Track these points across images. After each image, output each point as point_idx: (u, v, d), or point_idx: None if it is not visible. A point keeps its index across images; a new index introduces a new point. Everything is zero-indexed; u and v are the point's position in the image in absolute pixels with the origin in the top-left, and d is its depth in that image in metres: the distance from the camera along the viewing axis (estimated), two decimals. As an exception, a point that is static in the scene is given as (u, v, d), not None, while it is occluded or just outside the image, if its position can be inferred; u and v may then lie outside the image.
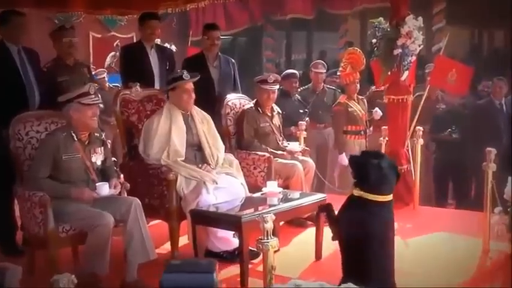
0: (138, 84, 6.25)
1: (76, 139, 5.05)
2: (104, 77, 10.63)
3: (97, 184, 5.07)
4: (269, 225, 3.94)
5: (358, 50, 8.75)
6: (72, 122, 5.05)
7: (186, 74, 5.79)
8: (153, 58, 7.15)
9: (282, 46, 17.19)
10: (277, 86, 7.00)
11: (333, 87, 9.33)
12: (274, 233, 4.09)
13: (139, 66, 6.98)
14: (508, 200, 5.81)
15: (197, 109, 5.96)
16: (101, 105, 5.24)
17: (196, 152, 5.83)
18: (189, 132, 5.79)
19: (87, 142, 5.15)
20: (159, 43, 8.03)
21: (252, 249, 4.83)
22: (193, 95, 5.84)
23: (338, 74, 8.93)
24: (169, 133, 5.68)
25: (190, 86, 5.82)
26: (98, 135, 5.26)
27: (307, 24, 16.05)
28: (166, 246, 5.74)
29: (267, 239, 3.93)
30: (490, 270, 5.62)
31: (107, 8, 8.36)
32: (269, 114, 6.91)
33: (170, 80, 5.94)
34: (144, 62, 7.06)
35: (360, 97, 8.75)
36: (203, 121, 5.96)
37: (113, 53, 12.71)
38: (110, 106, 6.33)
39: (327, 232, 5.93)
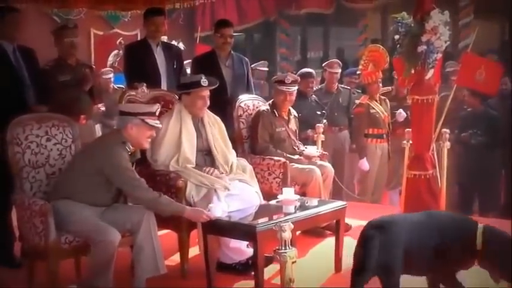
0: (145, 84, 6.26)
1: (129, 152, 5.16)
2: (110, 78, 10.65)
3: (210, 205, 5.26)
4: (287, 235, 3.98)
5: (381, 47, 8.77)
6: (125, 135, 5.12)
7: (204, 80, 5.76)
8: (159, 56, 7.20)
9: (297, 43, 17.18)
10: (296, 87, 6.98)
11: (348, 87, 9.34)
12: (291, 243, 4.13)
13: (145, 65, 7.03)
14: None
15: (208, 112, 5.98)
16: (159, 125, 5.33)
17: (206, 157, 5.87)
18: (198, 137, 5.82)
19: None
20: (165, 40, 8.07)
21: (267, 255, 4.84)
22: (208, 102, 5.86)
23: (358, 73, 8.94)
24: (179, 138, 5.70)
25: (206, 92, 5.83)
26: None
27: (324, 20, 16.03)
28: (175, 258, 5.77)
29: (285, 249, 3.96)
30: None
31: (109, 3, 8.43)
32: (285, 118, 6.93)
33: (187, 83, 5.92)
34: (150, 60, 7.10)
35: (383, 97, 8.76)
36: (214, 125, 5.99)
37: (115, 52, 12.77)
38: (113, 109, 6.37)
39: (347, 242, 5.99)
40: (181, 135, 5.72)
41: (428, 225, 4.32)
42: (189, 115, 5.81)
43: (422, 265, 4.35)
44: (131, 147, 5.15)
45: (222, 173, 5.76)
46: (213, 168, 5.74)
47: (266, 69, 10.96)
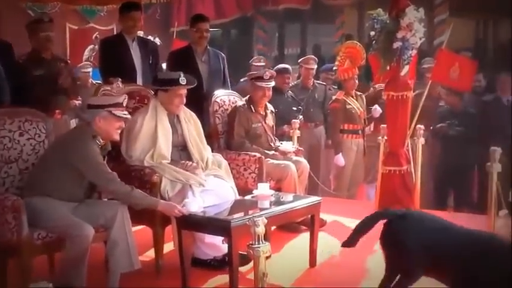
0: (120, 79, 6.23)
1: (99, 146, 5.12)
2: (88, 72, 10.60)
3: (186, 200, 5.27)
4: (260, 230, 3.97)
5: (358, 43, 8.79)
6: (95, 128, 5.08)
7: (182, 78, 5.71)
8: (135, 52, 7.17)
9: (274, 39, 17.19)
10: (273, 83, 6.99)
11: (323, 83, 9.35)
12: (265, 238, 4.13)
13: (120, 60, 7.00)
14: (514, 203, 5.89)
15: (184, 108, 5.93)
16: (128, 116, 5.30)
17: (182, 153, 5.84)
18: (174, 132, 5.79)
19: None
20: (141, 35, 8.04)
21: (242, 253, 4.84)
22: (185, 100, 5.82)
23: (334, 69, 8.96)
24: (155, 133, 5.67)
25: (184, 90, 5.79)
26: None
27: (301, 16, 16.06)
28: (150, 253, 5.74)
29: (258, 244, 3.96)
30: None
31: (85, -3, 8.39)
32: (262, 113, 6.92)
33: (165, 80, 5.83)
34: (125, 55, 7.08)
35: (358, 93, 8.78)
36: (190, 121, 5.96)
37: (91, 46, 12.70)
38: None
39: (322, 237, 6.02)
40: (156, 130, 5.68)
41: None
42: (165, 111, 5.77)
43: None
44: (101, 141, 5.12)
45: (202, 168, 5.75)
46: (190, 162, 5.71)
47: (263, 64, 10.94)
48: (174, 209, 5.15)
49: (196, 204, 5.29)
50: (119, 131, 5.20)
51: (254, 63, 10.97)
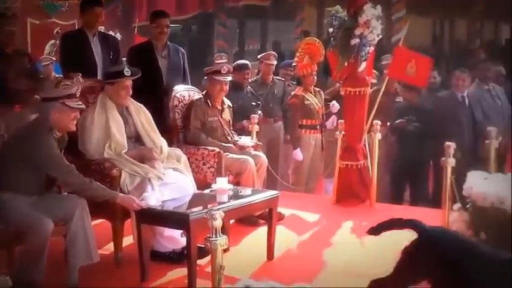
0: (80, 74, 6.20)
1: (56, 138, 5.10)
2: (49, 65, 10.52)
3: (144, 194, 5.29)
4: (217, 223, 3.98)
5: (317, 40, 8.81)
6: (50, 121, 5.05)
7: (127, 70, 5.80)
8: (96, 47, 7.11)
9: (235, 36, 17.20)
10: (230, 77, 7.01)
11: (282, 79, 9.38)
12: (223, 231, 4.14)
13: (81, 55, 6.94)
14: (467, 197, 5.96)
15: (132, 100, 5.99)
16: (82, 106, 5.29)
17: (135, 144, 5.87)
18: (126, 124, 5.83)
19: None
20: (102, 31, 7.98)
21: (201, 246, 4.85)
22: (131, 91, 5.89)
23: (293, 65, 8.98)
24: (107, 125, 5.70)
25: (129, 82, 5.86)
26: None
27: (262, 12, 16.08)
28: (110, 247, 5.72)
29: (216, 237, 3.97)
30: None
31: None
32: (219, 108, 6.92)
33: (110, 73, 5.96)
34: (86, 50, 7.01)
35: (317, 89, 8.82)
36: (139, 112, 6.00)
37: (52, 41, 12.55)
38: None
39: (280, 231, 6.05)
40: (108, 122, 5.72)
41: None
42: (114, 105, 5.82)
43: None
44: (58, 133, 5.09)
45: (159, 157, 5.76)
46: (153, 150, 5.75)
47: (225, 61, 10.88)
48: (133, 202, 5.16)
49: (154, 197, 5.29)
50: (75, 122, 5.18)
51: (216, 61, 10.96)
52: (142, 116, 5.99)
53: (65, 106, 5.04)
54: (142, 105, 6.06)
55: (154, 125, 6.04)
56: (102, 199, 5.14)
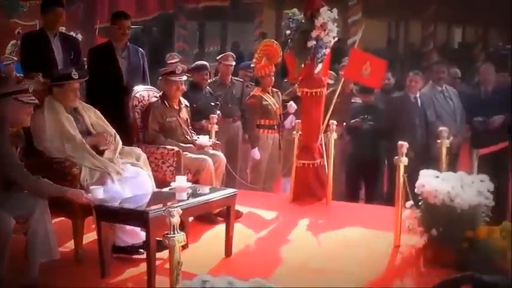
0: (41, 74, 6.17)
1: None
2: (11, 65, 10.44)
3: (91, 187, 5.24)
4: (175, 220, 4.00)
5: (275, 42, 8.86)
6: (4, 116, 5.02)
7: (74, 73, 5.80)
8: (57, 47, 7.08)
9: (195, 37, 17.19)
10: (185, 77, 7.06)
11: (241, 80, 9.43)
12: (182, 229, 4.16)
13: (41, 55, 6.91)
14: (419, 194, 6.06)
15: (80, 101, 6.00)
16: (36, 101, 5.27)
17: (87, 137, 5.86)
18: (76, 122, 5.81)
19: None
20: (63, 31, 7.94)
21: (159, 239, 4.86)
22: (78, 93, 5.91)
23: (252, 66, 9.02)
24: (59, 123, 5.68)
25: (77, 84, 5.87)
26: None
27: (222, 15, 16.11)
28: (71, 245, 5.68)
29: (174, 233, 3.99)
30: (401, 265, 5.82)
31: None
32: (176, 108, 6.92)
33: (58, 76, 5.92)
34: (47, 51, 6.98)
35: (275, 90, 8.88)
36: (89, 109, 6.01)
37: (13, 41, 12.46)
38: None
39: (238, 229, 6.09)
40: (60, 120, 5.69)
41: None
42: (61, 106, 5.79)
43: None
44: (11, 129, 5.08)
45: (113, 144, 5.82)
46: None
47: (177, 60, 10.89)
48: (82, 196, 5.16)
49: (101, 191, 5.25)
50: (29, 117, 5.19)
51: (168, 61, 11.00)
52: (92, 113, 6.00)
53: (18, 101, 5.04)
54: (91, 106, 6.08)
55: (104, 119, 6.05)
56: (51, 195, 5.10)
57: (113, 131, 5.99)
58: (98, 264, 5.26)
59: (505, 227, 6.15)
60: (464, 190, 5.89)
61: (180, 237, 3.98)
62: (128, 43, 7.39)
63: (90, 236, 5.75)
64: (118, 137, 6.01)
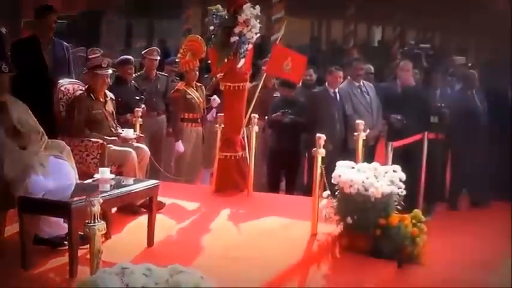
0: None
1: None
2: None
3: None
4: (96, 209, 4.02)
5: (199, 37, 8.90)
6: None
7: (5, 67, 5.70)
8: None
9: (122, 32, 17.07)
10: (111, 71, 7.04)
11: (166, 74, 9.46)
12: (105, 220, 4.18)
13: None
14: (335, 184, 6.20)
15: (7, 95, 5.86)
16: None
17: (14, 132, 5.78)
18: (3, 116, 5.70)
19: None
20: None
21: (82, 233, 4.86)
22: (7, 87, 5.77)
23: (177, 61, 9.05)
24: None
25: (7, 78, 5.74)
26: None
27: (149, 11, 16.05)
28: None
29: (94, 222, 4.01)
30: (318, 252, 5.94)
31: None
32: (102, 101, 6.88)
33: None
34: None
35: (199, 84, 8.93)
36: (16, 103, 5.88)
37: None
38: None
39: (160, 219, 6.12)
40: None
41: None
42: None
43: None
44: None
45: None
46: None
47: (98, 54, 10.85)
48: None
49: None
50: None
51: (89, 55, 10.95)
52: (20, 107, 5.89)
53: None
54: (17, 99, 5.96)
55: (32, 114, 5.96)
56: None
57: (40, 128, 5.90)
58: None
59: (415, 214, 6.38)
60: (378, 180, 6.08)
61: (100, 225, 4.01)
62: (54, 37, 7.31)
63: (10, 229, 5.69)
64: (45, 135, 5.93)
